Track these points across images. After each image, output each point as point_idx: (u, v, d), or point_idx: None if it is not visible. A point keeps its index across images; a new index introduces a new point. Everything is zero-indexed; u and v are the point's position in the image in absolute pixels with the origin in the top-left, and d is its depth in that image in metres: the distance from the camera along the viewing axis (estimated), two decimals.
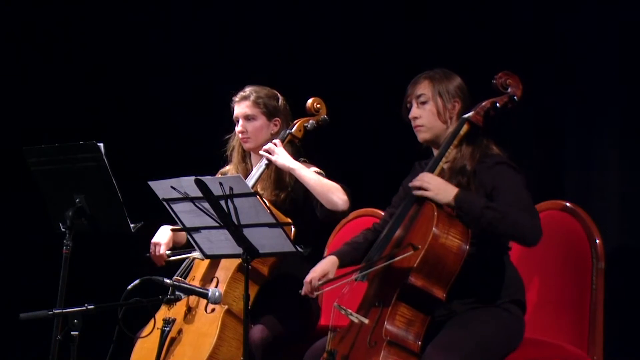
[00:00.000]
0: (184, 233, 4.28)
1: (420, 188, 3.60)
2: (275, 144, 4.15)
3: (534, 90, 3.84)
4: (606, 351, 3.83)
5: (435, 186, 3.58)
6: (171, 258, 4.25)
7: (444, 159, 3.68)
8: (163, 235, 4.26)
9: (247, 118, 4.28)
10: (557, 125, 5.16)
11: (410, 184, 3.66)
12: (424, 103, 3.76)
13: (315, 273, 3.78)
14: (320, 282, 3.75)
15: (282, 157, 4.12)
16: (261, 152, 4.19)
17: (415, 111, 3.77)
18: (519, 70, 3.73)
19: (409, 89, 3.80)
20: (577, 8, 5.07)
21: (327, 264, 3.81)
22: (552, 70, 5.15)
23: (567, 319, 3.92)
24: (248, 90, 4.32)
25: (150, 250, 4.25)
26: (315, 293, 3.77)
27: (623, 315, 4.68)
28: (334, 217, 4.17)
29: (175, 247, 4.32)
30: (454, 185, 3.58)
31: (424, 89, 3.76)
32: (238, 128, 4.30)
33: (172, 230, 4.21)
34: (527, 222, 3.50)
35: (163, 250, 4.23)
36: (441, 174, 3.70)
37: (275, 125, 4.31)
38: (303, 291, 3.77)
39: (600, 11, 5.00)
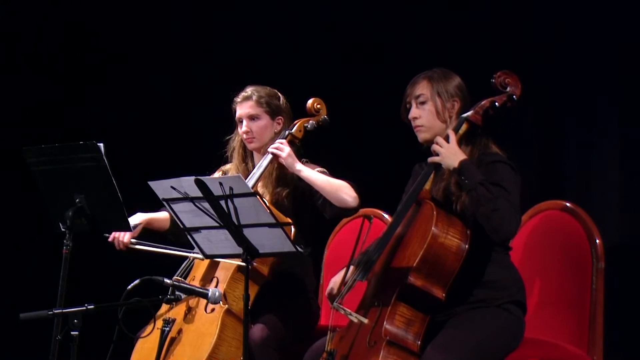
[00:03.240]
0: (165, 218, 4.30)
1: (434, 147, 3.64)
2: (282, 144, 4.15)
3: (534, 90, 3.84)
4: (606, 351, 3.83)
5: (445, 151, 3.61)
6: (135, 246, 4.23)
7: None
8: (132, 222, 4.22)
9: (251, 118, 4.28)
10: (557, 125, 5.16)
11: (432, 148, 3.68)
12: (423, 103, 3.76)
13: (334, 283, 3.77)
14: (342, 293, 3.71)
15: (291, 158, 4.12)
16: (270, 150, 4.18)
17: (414, 111, 3.77)
18: (518, 70, 3.73)
19: (408, 89, 3.81)
20: (577, 8, 5.07)
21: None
22: (552, 71, 5.15)
23: (567, 319, 3.92)
24: (249, 90, 4.32)
25: (114, 234, 4.23)
26: (337, 303, 3.72)
27: (623, 315, 4.67)
28: (344, 214, 4.17)
29: (157, 233, 4.32)
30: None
31: (422, 89, 3.76)
32: (242, 128, 4.29)
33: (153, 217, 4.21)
34: (509, 216, 3.51)
35: (127, 238, 4.22)
36: (440, 174, 3.71)
37: (279, 124, 4.31)
38: (330, 302, 3.74)
39: (601, 10, 5.00)
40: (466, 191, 3.56)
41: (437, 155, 3.64)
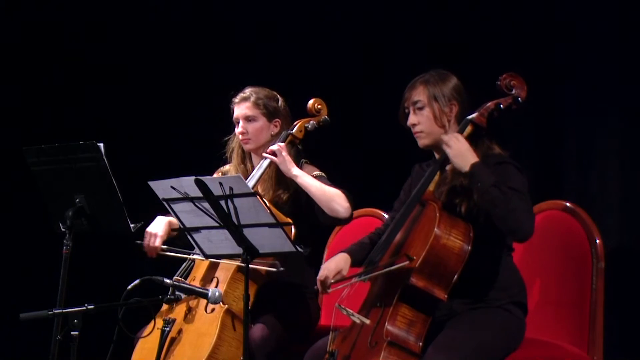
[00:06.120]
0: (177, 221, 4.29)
1: (445, 143, 3.60)
2: (280, 147, 4.14)
3: (534, 90, 3.83)
4: (606, 351, 3.83)
5: (458, 148, 3.58)
6: (166, 252, 4.18)
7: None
8: (159, 226, 4.20)
9: (248, 119, 4.28)
10: (557, 125, 5.16)
11: (441, 137, 3.65)
12: (421, 109, 3.74)
13: (329, 271, 3.72)
14: (334, 280, 3.71)
15: (287, 163, 4.11)
16: (264, 155, 4.18)
17: (412, 118, 3.76)
18: (519, 70, 3.73)
19: (406, 94, 3.78)
20: (577, 7, 5.07)
21: (341, 261, 3.77)
22: (552, 70, 5.14)
23: (567, 319, 3.92)
24: (248, 91, 4.32)
25: (145, 240, 4.20)
26: (329, 290, 3.72)
27: (623, 315, 4.68)
28: (336, 223, 4.18)
29: (169, 236, 4.29)
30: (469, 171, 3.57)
31: (419, 94, 3.74)
32: (238, 129, 4.30)
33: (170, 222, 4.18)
34: (526, 215, 3.50)
35: (159, 242, 4.18)
36: (444, 176, 3.70)
37: (276, 126, 4.31)
38: (319, 289, 3.72)
39: (601, 10, 5.00)
40: (479, 194, 3.54)
41: (447, 146, 3.62)
